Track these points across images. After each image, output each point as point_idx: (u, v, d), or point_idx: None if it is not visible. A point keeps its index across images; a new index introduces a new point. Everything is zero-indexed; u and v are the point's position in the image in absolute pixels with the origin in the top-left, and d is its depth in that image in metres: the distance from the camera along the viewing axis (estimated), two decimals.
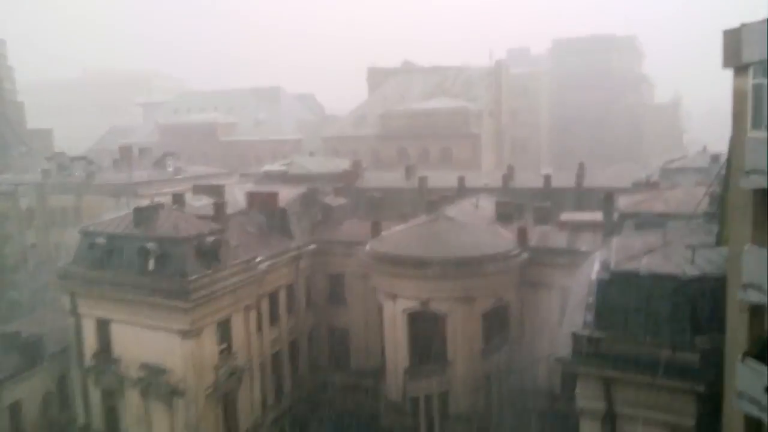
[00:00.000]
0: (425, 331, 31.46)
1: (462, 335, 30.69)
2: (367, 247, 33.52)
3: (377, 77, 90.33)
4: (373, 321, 35.62)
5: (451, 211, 36.68)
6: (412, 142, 71.04)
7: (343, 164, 52.92)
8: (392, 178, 49.31)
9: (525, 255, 31.69)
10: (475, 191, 41.97)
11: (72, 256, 32.66)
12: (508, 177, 44.48)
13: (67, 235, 45.78)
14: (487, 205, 38.63)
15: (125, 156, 59.94)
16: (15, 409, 31.90)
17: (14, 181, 57.86)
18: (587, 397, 17.88)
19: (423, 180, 45.15)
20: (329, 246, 38.33)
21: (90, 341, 31.03)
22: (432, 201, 38.92)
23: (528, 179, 45.53)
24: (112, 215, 34.99)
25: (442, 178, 45.99)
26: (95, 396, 31.35)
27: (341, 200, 42.75)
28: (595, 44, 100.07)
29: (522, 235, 32.48)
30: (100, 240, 30.67)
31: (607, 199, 32.49)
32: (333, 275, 38.64)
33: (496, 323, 31.52)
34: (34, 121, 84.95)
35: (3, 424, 30.99)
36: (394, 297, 31.67)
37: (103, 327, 30.53)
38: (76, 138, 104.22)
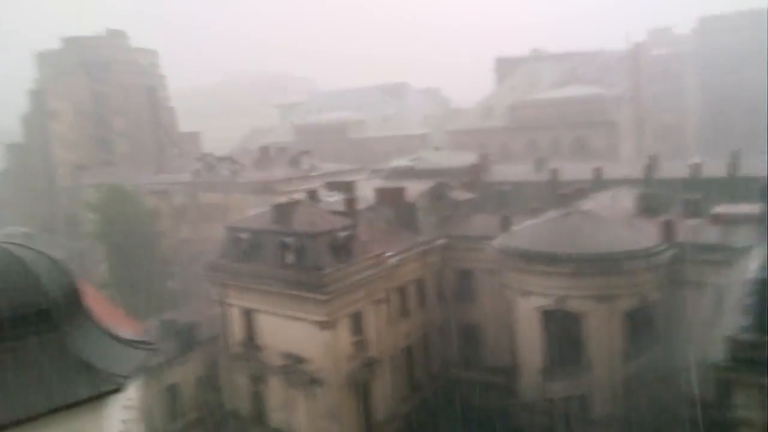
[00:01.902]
0: (561, 330, 30.15)
1: (601, 336, 29.05)
2: (497, 242, 32.80)
3: (505, 67, 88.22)
4: (504, 318, 34.78)
5: (587, 204, 34.80)
6: (543, 133, 68.50)
7: (470, 158, 52.23)
8: (522, 171, 47.81)
9: (671, 251, 29.29)
10: (614, 183, 39.46)
11: (220, 249, 35.22)
12: (650, 167, 41.30)
13: (216, 229, 49.50)
14: (627, 198, 36.16)
15: (264, 155, 63.55)
16: (172, 390, 35.02)
17: (169, 181, 63.61)
18: (745, 407, 16.15)
19: (554, 172, 43.29)
20: (458, 241, 38.02)
21: (236, 330, 33.30)
22: (564, 194, 37.17)
23: (674, 169, 41.94)
24: (254, 211, 37.28)
25: (575, 170, 43.79)
26: (242, 381, 33.61)
27: (469, 194, 42.21)
28: (748, 20, 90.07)
29: (668, 230, 30.05)
30: (244, 235, 32.78)
31: (765, 189, 29.08)
32: (462, 270, 38.29)
33: (640, 324, 29.44)
34: (185, 125, 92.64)
35: (163, 403, 34.16)
36: (526, 294, 30.73)
37: (247, 317, 32.63)
38: (221, 139, 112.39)
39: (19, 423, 8.11)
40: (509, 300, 32.53)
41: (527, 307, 30.75)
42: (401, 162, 54.31)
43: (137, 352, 10.50)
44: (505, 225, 34.88)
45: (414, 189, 40.40)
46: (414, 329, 36.40)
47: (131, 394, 10.17)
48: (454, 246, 38.09)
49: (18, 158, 77.79)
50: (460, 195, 41.80)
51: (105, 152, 78.27)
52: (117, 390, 9.13)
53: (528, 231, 32.76)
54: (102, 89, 78.77)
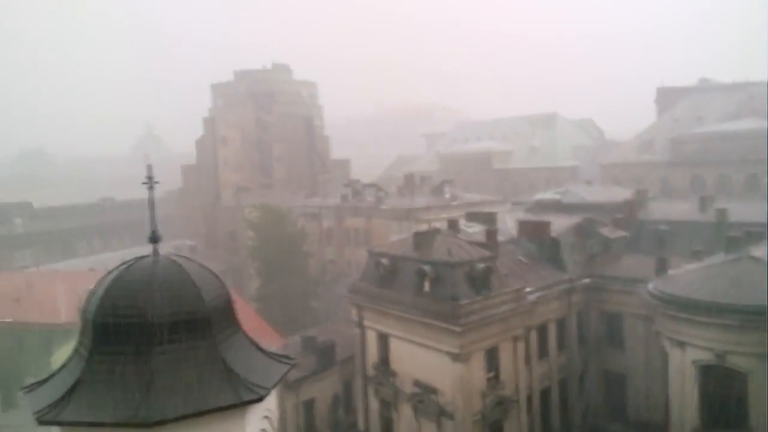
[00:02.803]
0: (721, 388, 26.98)
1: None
2: (651, 286, 30.27)
3: (667, 97, 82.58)
4: (655, 369, 31.97)
5: (759, 250, 31.09)
6: (709, 170, 62.88)
7: (623, 193, 49.22)
8: (683, 210, 43.98)
9: None
10: None
11: (361, 273, 36.27)
12: None
13: (359, 253, 51.24)
14: None
15: (408, 183, 64.87)
16: (309, 405, 36.31)
17: (318, 204, 67.17)
18: None
19: (722, 212, 39.25)
20: (606, 282, 35.74)
21: (372, 353, 33.90)
22: (733, 237, 33.53)
23: None
24: (395, 237, 38.03)
25: (746, 211, 39.36)
26: (373, 404, 34.04)
27: (621, 232, 39.62)
28: None
29: None
30: (384, 260, 33.48)
31: None
32: (609, 314, 35.88)
33: None
34: (337, 152, 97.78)
35: (299, 417, 35.56)
36: (682, 345, 27.94)
37: (383, 341, 33.11)
38: (369, 166, 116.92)
39: (166, 422, 8.79)
40: (663, 350, 29.81)
41: (682, 360, 27.91)
42: (547, 195, 52.62)
43: (279, 365, 10.98)
44: (662, 268, 32.19)
45: (560, 223, 38.80)
46: (552, 372, 34.62)
47: (270, 405, 10.63)
48: (602, 287, 35.85)
49: (191, 178, 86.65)
50: (611, 232, 39.39)
51: (264, 176, 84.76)
52: (258, 400, 9.57)
53: (688, 276, 29.92)
54: (266, 118, 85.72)
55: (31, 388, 9.95)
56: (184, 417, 8.93)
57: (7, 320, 42.78)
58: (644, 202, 45.98)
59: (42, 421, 8.93)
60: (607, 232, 39.27)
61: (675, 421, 28.47)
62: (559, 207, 46.80)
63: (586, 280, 35.84)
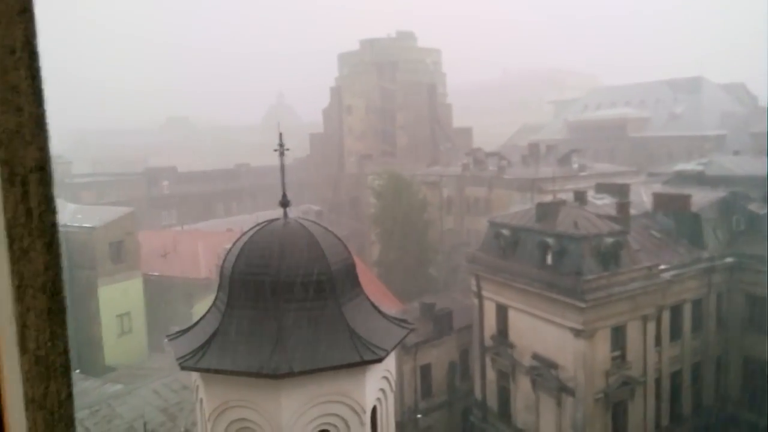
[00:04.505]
0: None
1: None
2: None
3: None
4: None
5: None
6: None
7: None
8: None
9: None
10: None
11: (480, 243, 35.93)
12: None
13: (478, 223, 50.68)
14: None
15: (533, 152, 62.76)
16: (426, 370, 36.96)
17: (440, 173, 67.03)
18: None
19: None
20: (752, 261, 32.62)
21: (490, 323, 33.70)
22: None
23: None
24: (517, 208, 37.14)
25: None
26: (490, 375, 33.97)
27: None
28: None
29: None
30: (505, 231, 32.86)
31: None
32: (754, 297, 32.78)
33: None
34: (459, 121, 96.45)
35: (416, 380, 36.35)
36: None
37: (501, 312, 32.76)
38: (492, 135, 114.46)
39: (293, 375, 9.32)
40: None
41: None
42: (688, 166, 48.57)
43: (398, 329, 11.23)
44: None
45: (701, 197, 35.78)
46: (685, 354, 32.46)
47: (389, 366, 10.93)
48: (747, 267, 32.79)
49: (317, 146, 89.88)
50: (760, 208, 35.65)
51: (387, 144, 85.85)
52: (378, 360, 9.87)
53: None
54: (390, 86, 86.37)
55: (175, 336, 10.97)
56: (309, 372, 9.44)
57: (155, 274, 47.36)
58: None
59: (184, 367, 9.85)
60: (755, 207, 35.59)
61: None
62: (701, 179, 42.95)
63: (729, 260, 32.95)
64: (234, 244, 11.15)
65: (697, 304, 32.80)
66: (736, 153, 56.74)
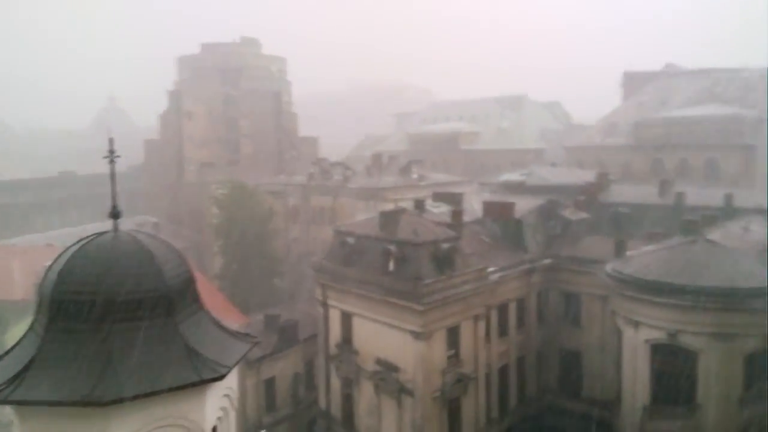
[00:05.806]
0: (671, 367, 28.11)
1: (716, 377, 26.79)
2: (609, 267, 31.18)
3: (633, 82, 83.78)
4: (610, 347, 33.07)
5: (714, 233, 32.24)
6: (670, 154, 64.39)
7: (586, 176, 50.10)
8: (643, 193, 45.01)
9: None
10: (746, 212, 36.28)
11: (326, 251, 36.31)
12: None
13: (324, 232, 51.17)
14: (760, 230, 33.08)
15: (376, 163, 64.81)
16: (270, 383, 36.39)
17: (285, 182, 66.68)
18: None
19: (680, 196, 40.41)
20: (566, 262, 36.62)
21: (335, 331, 34.13)
22: (690, 220, 34.64)
23: None
24: (361, 217, 38.13)
25: (704, 195, 40.68)
26: (335, 383, 34.37)
27: (582, 214, 40.50)
28: None
29: None
30: (350, 239, 33.58)
31: None
32: (568, 293, 36.83)
33: (762, 368, 26.77)
34: (305, 130, 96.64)
35: (259, 395, 35.70)
36: (636, 324, 28.94)
37: (346, 320, 33.35)
38: (337, 145, 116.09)
39: (122, 401, 8.77)
40: (618, 329, 30.82)
41: (636, 339, 28.95)
42: (512, 176, 53.23)
43: (241, 343, 11.00)
44: (620, 249, 33.11)
45: (523, 205, 39.44)
46: (511, 350, 35.49)
47: (231, 383, 10.68)
48: (562, 267, 36.72)
49: (153, 153, 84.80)
50: (573, 214, 40.22)
51: (230, 152, 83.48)
52: (219, 378, 9.59)
53: (644, 257, 30.89)
54: (233, 93, 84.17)
55: None
56: (142, 396, 8.93)
57: None
58: (606, 184, 46.86)
59: None
60: (568, 213, 40.09)
61: (627, 398, 29.60)
62: (523, 188, 47.43)
63: (547, 261, 36.64)
64: (55, 260, 10.21)
65: (520, 302, 36.04)
66: (552, 164, 63.28)
